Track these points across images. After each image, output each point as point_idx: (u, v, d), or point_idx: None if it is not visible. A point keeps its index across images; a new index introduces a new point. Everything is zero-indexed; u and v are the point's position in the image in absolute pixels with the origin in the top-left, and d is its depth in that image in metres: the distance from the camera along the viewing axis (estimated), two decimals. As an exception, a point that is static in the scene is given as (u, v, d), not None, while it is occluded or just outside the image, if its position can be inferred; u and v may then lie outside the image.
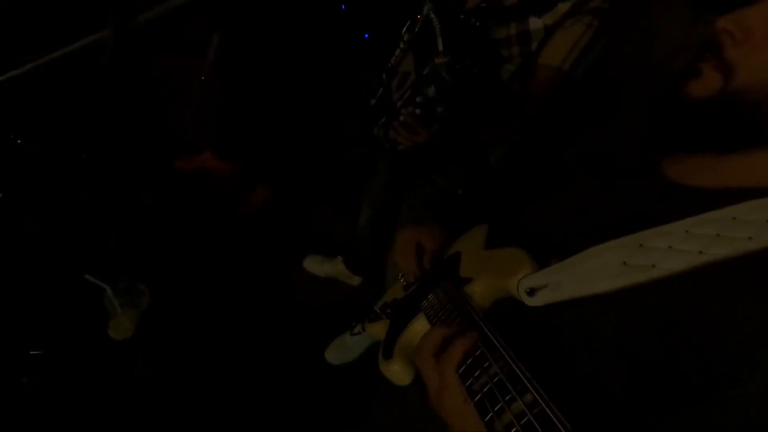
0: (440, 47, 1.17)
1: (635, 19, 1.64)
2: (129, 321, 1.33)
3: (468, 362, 0.54)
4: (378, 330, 0.88)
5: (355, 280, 2.18)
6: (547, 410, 0.42)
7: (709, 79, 0.53)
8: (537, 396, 0.44)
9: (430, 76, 1.17)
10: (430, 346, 0.59)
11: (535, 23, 1.22)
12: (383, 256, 1.76)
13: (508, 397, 0.46)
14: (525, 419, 0.43)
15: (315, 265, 2.22)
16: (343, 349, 1.90)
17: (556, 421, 0.40)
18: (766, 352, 0.43)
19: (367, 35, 2.73)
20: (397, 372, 0.72)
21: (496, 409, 0.46)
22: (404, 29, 1.36)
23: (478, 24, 1.27)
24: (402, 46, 1.37)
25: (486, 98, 1.28)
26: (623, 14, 1.35)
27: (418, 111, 1.21)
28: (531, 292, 0.60)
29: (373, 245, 1.96)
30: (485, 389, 0.49)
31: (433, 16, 1.21)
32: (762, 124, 0.51)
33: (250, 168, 2.45)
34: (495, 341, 0.55)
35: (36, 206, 1.84)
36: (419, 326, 0.75)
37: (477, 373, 0.52)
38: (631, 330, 0.52)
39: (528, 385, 0.46)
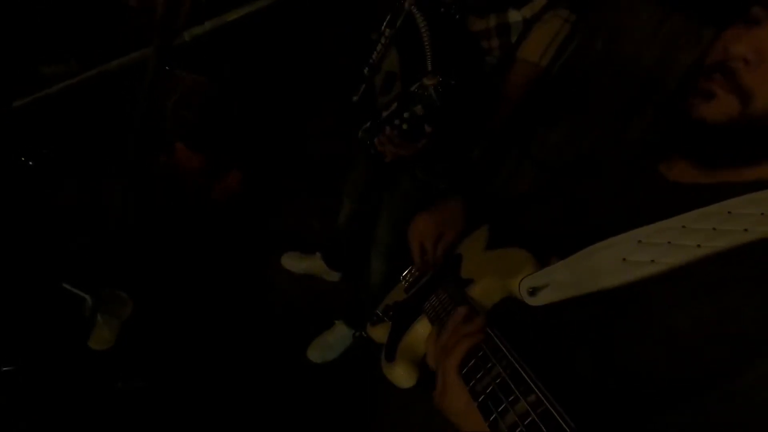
0: (429, 67, 1.17)
1: (603, 16, 1.67)
2: (110, 331, 1.30)
3: (471, 363, 0.54)
4: (380, 333, 0.88)
5: (334, 276, 2.16)
6: (551, 410, 0.42)
7: (725, 103, 0.52)
8: (541, 396, 0.44)
9: (418, 95, 1.15)
10: (436, 347, 0.60)
11: (514, 16, 1.23)
12: (363, 250, 1.75)
13: (511, 398, 0.46)
14: (529, 419, 0.43)
15: (293, 262, 2.19)
16: (324, 348, 1.90)
17: (560, 420, 0.41)
18: (765, 340, 0.44)
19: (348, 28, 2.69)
20: (400, 374, 0.72)
21: (499, 410, 0.46)
22: (384, 23, 1.33)
23: (458, 17, 1.26)
24: (383, 41, 1.34)
25: (473, 110, 1.28)
26: (592, 11, 1.38)
27: (405, 126, 1.19)
28: (532, 292, 0.60)
29: (352, 240, 1.95)
30: (488, 390, 0.49)
31: (415, 10, 1.21)
32: None
33: (220, 156, 2.34)
34: (498, 342, 0.55)
35: (9, 211, 1.74)
36: (421, 328, 0.75)
37: (480, 375, 0.52)
38: (633, 325, 0.52)
39: (531, 385, 0.46)
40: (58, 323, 1.32)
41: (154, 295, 1.54)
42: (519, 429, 0.42)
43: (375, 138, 1.29)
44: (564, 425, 0.40)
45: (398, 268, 1.04)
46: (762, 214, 0.48)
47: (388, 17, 1.32)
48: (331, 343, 1.91)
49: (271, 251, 2.18)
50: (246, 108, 2.40)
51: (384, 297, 1.07)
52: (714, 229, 0.50)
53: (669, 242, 0.52)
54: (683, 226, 0.52)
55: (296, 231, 2.28)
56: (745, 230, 0.48)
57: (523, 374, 0.48)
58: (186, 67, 2.05)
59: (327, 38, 2.68)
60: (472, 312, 0.63)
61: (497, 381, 0.49)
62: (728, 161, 0.54)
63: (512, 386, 0.47)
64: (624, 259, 0.54)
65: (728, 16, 0.55)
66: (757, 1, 0.51)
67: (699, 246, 0.50)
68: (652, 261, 0.52)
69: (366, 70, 1.39)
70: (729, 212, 0.50)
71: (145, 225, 1.90)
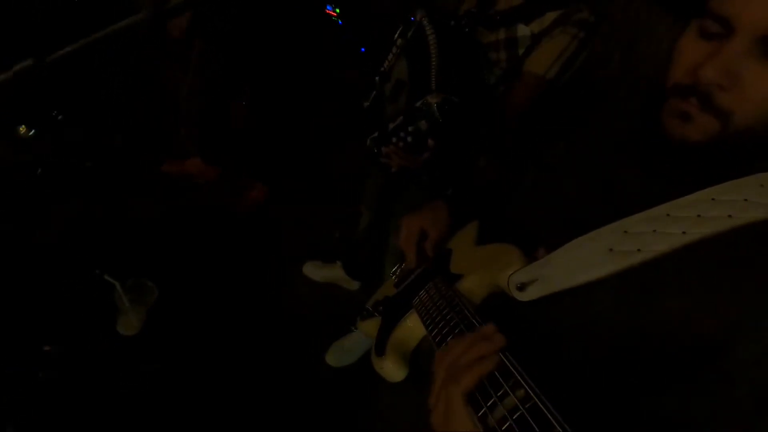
0: (433, 85, 1.21)
1: (622, 29, 1.70)
2: (136, 317, 1.38)
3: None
4: (370, 327, 0.88)
5: (354, 285, 2.19)
6: (540, 404, 0.42)
7: (703, 123, 0.51)
8: (529, 391, 0.44)
9: (422, 111, 1.20)
10: (444, 361, 0.54)
11: (522, 30, 1.25)
12: (382, 259, 1.79)
13: (500, 393, 0.46)
14: (518, 414, 0.43)
15: (314, 271, 2.23)
16: (342, 352, 1.93)
17: (548, 416, 0.40)
18: (753, 320, 0.44)
19: (363, 49, 2.78)
20: (389, 368, 0.72)
21: (488, 404, 0.46)
22: (396, 34, 1.37)
23: (467, 30, 1.30)
24: (395, 51, 1.38)
25: (475, 124, 1.31)
26: (610, 24, 1.45)
27: (409, 139, 1.25)
28: (521, 287, 0.60)
29: (371, 250, 1.97)
30: (477, 384, 0.49)
31: (425, 23, 1.25)
32: None
33: (239, 170, 2.48)
34: None
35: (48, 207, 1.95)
36: (411, 323, 0.75)
37: None
38: (622, 314, 0.52)
39: (520, 380, 0.46)
40: (90, 308, 1.44)
41: (182, 290, 1.64)
42: (508, 424, 0.42)
43: (382, 147, 1.34)
44: (552, 420, 0.40)
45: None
46: (745, 200, 0.48)
47: (401, 28, 1.36)
48: (348, 348, 1.93)
49: (294, 260, 2.24)
50: (259, 114, 2.53)
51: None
52: (699, 216, 0.50)
53: (655, 231, 0.52)
54: (668, 215, 0.52)
55: (318, 241, 2.33)
56: (729, 216, 0.48)
57: (512, 369, 0.47)
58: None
59: (340, 50, 2.80)
60: (493, 331, 0.54)
61: (486, 376, 0.49)
62: (716, 175, 0.53)
63: (501, 381, 0.47)
64: (611, 250, 0.54)
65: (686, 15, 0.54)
66: (708, 13, 0.49)
67: (684, 233, 0.50)
68: (639, 250, 0.52)
69: (377, 78, 1.43)
70: (713, 199, 0.50)
71: (172, 226, 2.08)
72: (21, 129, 2.04)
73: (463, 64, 1.29)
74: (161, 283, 1.45)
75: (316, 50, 2.72)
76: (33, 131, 2.06)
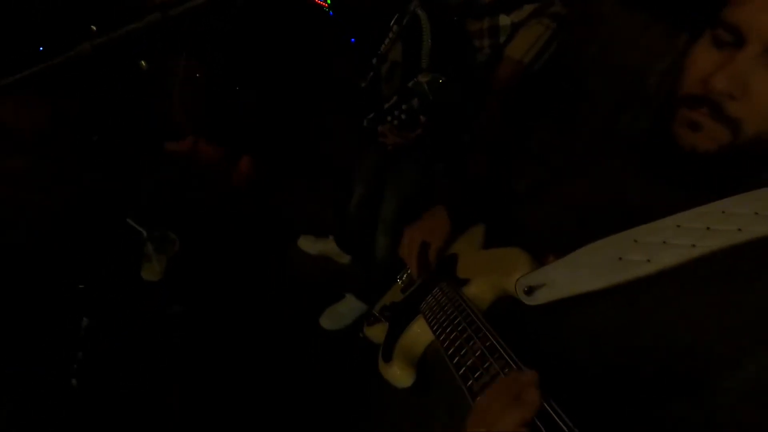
0: (424, 64, 1.39)
1: (596, 25, 1.85)
2: (159, 265, 1.55)
3: (469, 363, 0.55)
4: (377, 333, 0.88)
5: (345, 258, 2.34)
6: (549, 409, 0.42)
7: (714, 133, 0.52)
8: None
9: (414, 90, 1.34)
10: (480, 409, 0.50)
11: (504, 20, 1.43)
12: (373, 233, 1.94)
13: None
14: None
15: (308, 244, 2.38)
16: (335, 316, 2.07)
17: (558, 420, 0.41)
18: (762, 336, 0.44)
19: (353, 40, 2.84)
20: (397, 374, 0.72)
21: None
22: (393, 21, 1.55)
23: (456, 18, 1.46)
24: (391, 36, 1.55)
25: (464, 105, 1.47)
26: (586, 20, 1.67)
27: (403, 116, 1.39)
28: (529, 291, 0.60)
29: (362, 225, 2.10)
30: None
31: (420, 11, 1.44)
32: None
33: (235, 146, 2.56)
34: (494, 342, 0.55)
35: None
36: (418, 328, 0.75)
37: (478, 374, 0.53)
38: (629, 324, 0.52)
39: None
40: (119, 253, 1.62)
41: (197, 240, 1.81)
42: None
43: (378, 126, 1.49)
44: (562, 425, 0.40)
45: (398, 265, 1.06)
46: (756, 213, 0.49)
47: (396, 16, 1.56)
48: (342, 312, 2.08)
49: (290, 234, 2.43)
50: (253, 96, 2.55)
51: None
52: (708, 228, 0.50)
53: (664, 242, 0.52)
54: (678, 226, 0.52)
55: (312, 218, 2.51)
56: (739, 230, 0.49)
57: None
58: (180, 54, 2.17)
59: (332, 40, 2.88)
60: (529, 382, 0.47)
61: (495, 380, 0.49)
62: (727, 185, 0.53)
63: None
64: (620, 258, 0.54)
65: (700, 25, 0.55)
66: (721, 23, 0.50)
67: (694, 246, 0.50)
68: (648, 260, 0.52)
69: (374, 60, 1.61)
70: (723, 212, 0.50)
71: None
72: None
73: (452, 47, 1.46)
74: (184, 229, 1.65)
75: (307, 39, 2.79)
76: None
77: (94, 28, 2.01)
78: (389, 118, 1.44)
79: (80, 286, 1.53)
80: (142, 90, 2.46)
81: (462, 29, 1.47)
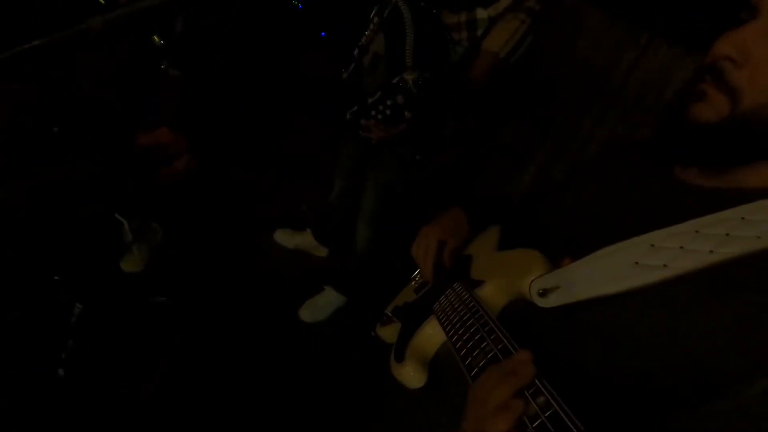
0: (408, 62, 1.43)
1: (559, 22, 1.92)
2: (140, 256, 1.50)
3: (481, 365, 0.55)
4: (390, 333, 0.89)
5: (323, 251, 2.34)
6: (560, 412, 0.42)
7: (715, 102, 0.53)
8: (550, 398, 0.44)
9: (398, 87, 1.36)
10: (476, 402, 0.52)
11: (481, 13, 1.46)
12: (353, 225, 1.95)
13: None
14: (538, 422, 0.43)
15: (285, 238, 2.37)
16: (314, 309, 2.07)
17: (569, 423, 0.41)
18: None
19: (323, 33, 2.88)
20: (409, 375, 0.72)
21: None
22: (373, 12, 1.57)
23: (434, 11, 1.49)
24: (372, 27, 1.57)
25: (447, 98, 1.50)
26: (552, 17, 1.67)
27: (388, 112, 1.40)
28: (543, 293, 0.60)
29: (342, 217, 2.12)
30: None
31: (401, 3, 1.47)
32: None
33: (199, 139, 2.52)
34: (508, 344, 0.55)
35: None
36: (430, 329, 0.75)
37: None
38: (644, 330, 0.52)
39: (540, 387, 0.46)
40: (98, 242, 1.54)
41: (180, 230, 1.79)
42: (528, 431, 0.43)
43: (361, 120, 1.50)
44: (573, 428, 0.40)
45: (403, 267, 1.07)
46: None
47: (377, 7, 1.57)
48: (321, 305, 2.08)
49: (266, 228, 2.40)
50: (229, 96, 2.60)
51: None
52: (727, 234, 0.50)
53: (682, 247, 0.52)
54: (696, 231, 0.52)
55: (288, 212, 2.49)
56: (758, 237, 0.48)
57: (542, 388, 0.47)
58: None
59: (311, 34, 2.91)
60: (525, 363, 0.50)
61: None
62: (725, 161, 0.55)
63: (522, 388, 0.47)
64: (636, 263, 0.53)
65: (665, 22, 0.57)
66: (744, 6, 0.52)
67: (711, 252, 0.50)
68: (665, 265, 0.52)
69: (356, 51, 1.61)
70: (742, 218, 0.50)
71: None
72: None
73: (434, 41, 1.49)
74: (167, 219, 1.62)
75: (276, 34, 2.81)
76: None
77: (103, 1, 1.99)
78: (373, 113, 1.45)
79: (56, 278, 1.46)
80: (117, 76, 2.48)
81: (440, 21, 1.50)
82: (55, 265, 1.49)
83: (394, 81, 1.37)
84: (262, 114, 2.87)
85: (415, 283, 0.99)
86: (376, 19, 1.56)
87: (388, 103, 1.39)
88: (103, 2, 1.93)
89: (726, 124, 0.52)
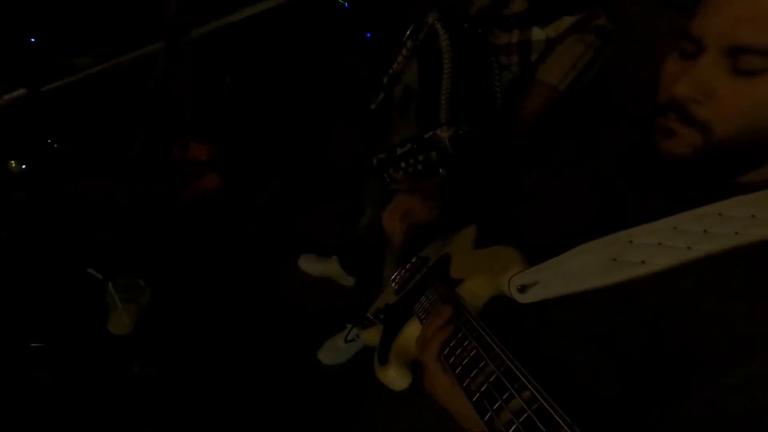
0: (443, 117, 1.17)
1: (632, 42, 1.72)
2: (128, 316, 1.36)
3: (465, 362, 0.54)
4: (372, 336, 0.88)
5: (349, 281, 2.16)
6: (546, 406, 0.42)
7: (687, 137, 0.53)
8: (535, 392, 0.44)
9: (432, 143, 1.17)
10: (417, 345, 0.66)
11: (537, 34, 1.20)
12: (382, 256, 1.74)
13: (506, 395, 0.46)
14: (524, 416, 0.43)
15: (309, 265, 2.20)
16: (335, 351, 1.90)
17: (555, 416, 0.41)
18: (755, 342, 0.44)
19: (369, 35, 2.74)
20: (393, 377, 0.72)
21: (494, 407, 0.46)
22: (406, 35, 1.32)
23: (480, 31, 1.26)
24: (405, 53, 1.34)
25: (486, 153, 1.27)
26: (624, 34, 1.35)
27: (419, 167, 1.22)
28: (522, 289, 0.60)
29: (371, 246, 1.91)
30: (483, 389, 0.49)
31: (438, 26, 1.20)
32: (759, 153, 0.52)
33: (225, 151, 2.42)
34: (489, 340, 0.55)
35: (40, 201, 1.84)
36: (413, 330, 0.74)
37: (474, 373, 0.52)
38: (622, 325, 0.52)
39: (525, 382, 0.46)
40: (80, 306, 1.40)
41: (172, 286, 1.59)
42: (515, 426, 0.42)
43: (389, 169, 1.31)
44: (559, 420, 0.40)
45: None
46: (752, 216, 0.49)
47: (411, 28, 1.30)
48: (342, 347, 1.90)
49: (289, 253, 2.22)
50: (257, 106, 2.49)
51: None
52: (705, 231, 0.50)
53: (660, 243, 0.52)
54: (674, 228, 0.52)
55: (315, 234, 2.30)
56: (736, 233, 0.49)
57: (516, 371, 0.48)
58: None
59: (344, 44, 2.78)
60: (444, 308, 0.66)
61: (491, 379, 0.49)
62: (707, 187, 0.54)
63: (506, 383, 0.47)
64: (615, 259, 0.54)
65: None
66: (685, 35, 0.52)
67: (689, 248, 0.50)
68: (643, 262, 0.52)
69: (385, 80, 1.39)
70: (720, 214, 0.50)
71: (164, 217, 1.98)
72: (12, 164, 1.88)
73: (476, 81, 1.25)
74: (155, 284, 1.43)
75: (319, 35, 2.67)
76: (24, 167, 1.91)
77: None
78: (403, 164, 1.26)
79: (32, 345, 1.33)
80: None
81: (487, 46, 1.26)
82: (31, 327, 1.38)
83: (427, 136, 1.18)
84: (296, 120, 2.69)
85: (395, 285, 0.99)
86: (409, 43, 1.31)
87: (420, 158, 1.21)
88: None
89: (704, 155, 0.52)
